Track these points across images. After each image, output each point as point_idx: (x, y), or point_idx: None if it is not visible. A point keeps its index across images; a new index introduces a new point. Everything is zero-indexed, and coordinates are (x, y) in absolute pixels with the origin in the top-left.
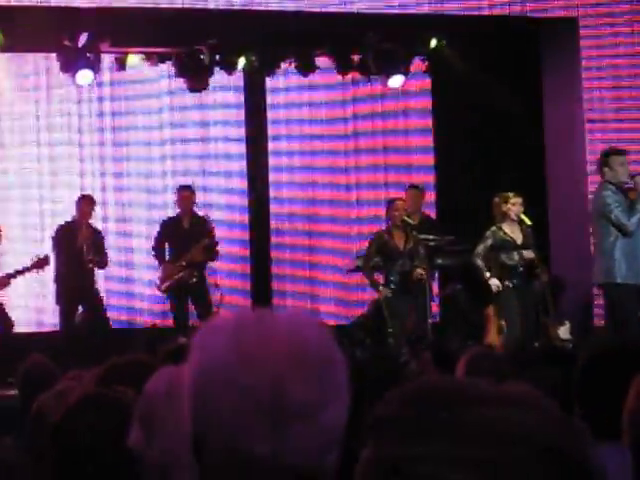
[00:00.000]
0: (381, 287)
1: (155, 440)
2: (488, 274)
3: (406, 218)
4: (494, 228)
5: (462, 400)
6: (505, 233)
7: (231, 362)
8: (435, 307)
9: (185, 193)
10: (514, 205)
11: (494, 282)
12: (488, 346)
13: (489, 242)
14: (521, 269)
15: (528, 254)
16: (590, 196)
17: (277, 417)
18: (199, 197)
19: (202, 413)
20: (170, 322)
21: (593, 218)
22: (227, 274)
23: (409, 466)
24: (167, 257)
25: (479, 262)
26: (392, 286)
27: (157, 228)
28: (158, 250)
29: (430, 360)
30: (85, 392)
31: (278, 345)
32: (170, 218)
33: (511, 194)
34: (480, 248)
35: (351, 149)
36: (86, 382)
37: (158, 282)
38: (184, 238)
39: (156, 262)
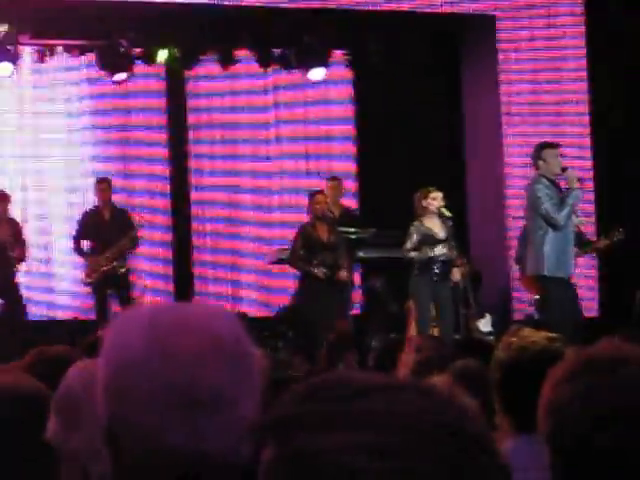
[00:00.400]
0: (314, 269)
1: (74, 433)
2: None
3: (327, 212)
4: (416, 223)
5: (359, 390)
6: (426, 227)
7: (145, 357)
8: (358, 299)
9: (102, 185)
10: (434, 199)
11: (440, 250)
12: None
13: (415, 237)
14: (441, 262)
15: (448, 252)
16: (510, 190)
17: (192, 410)
18: (120, 183)
19: (116, 408)
20: (92, 315)
21: (526, 211)
22: (149, 259)
23: (313, 459)
24: (87, 249)
25: (413, 254)
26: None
27: (77, 218)
28: (79, 243)
29: (355, 360)
30: None
31: (193, 339)
32: (89, 211)
33: (431, 188)
34: (409, 244)
35: (272, 137)
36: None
37: (83, 275)
38: (106, 230)
39: (76, 254)
